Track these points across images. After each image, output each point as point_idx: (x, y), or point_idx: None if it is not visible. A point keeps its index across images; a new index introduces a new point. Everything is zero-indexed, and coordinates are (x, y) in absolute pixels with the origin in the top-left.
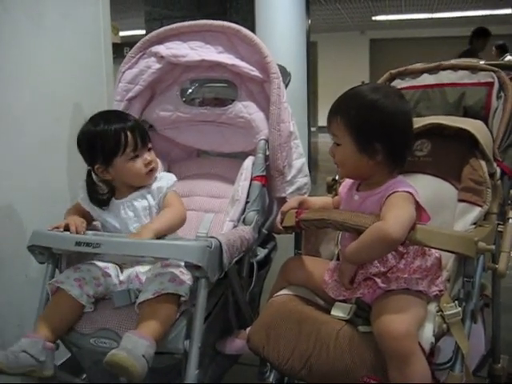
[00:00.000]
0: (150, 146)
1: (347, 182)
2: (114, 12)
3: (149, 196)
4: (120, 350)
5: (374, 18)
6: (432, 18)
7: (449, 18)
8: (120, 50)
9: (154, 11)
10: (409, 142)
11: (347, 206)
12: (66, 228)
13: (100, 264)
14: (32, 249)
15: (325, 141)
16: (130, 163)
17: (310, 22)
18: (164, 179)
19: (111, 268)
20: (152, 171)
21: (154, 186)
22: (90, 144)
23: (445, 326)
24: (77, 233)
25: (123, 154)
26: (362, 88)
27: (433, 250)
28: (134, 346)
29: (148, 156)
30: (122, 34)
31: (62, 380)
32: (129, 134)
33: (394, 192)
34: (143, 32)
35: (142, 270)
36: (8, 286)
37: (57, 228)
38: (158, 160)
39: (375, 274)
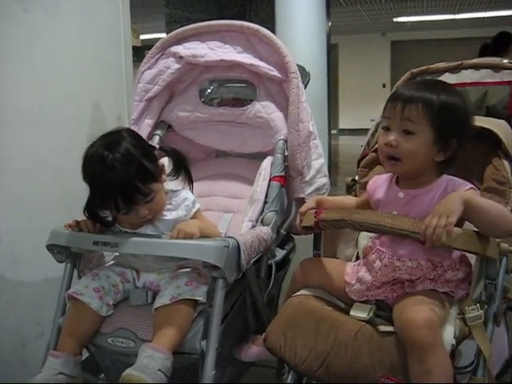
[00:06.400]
0: (148, 198)
1: (377, 179)
2: (135, 15)
3: (160, 225)
4: (134, 368)
5: (395, 20)
6: (454, 19)
7: (471, 18)
8: (141, 53)
9: (174, 14)
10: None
11: (389, 203)
12: (79, 229)
13: (118, 269)
14: (51, 248)
15: (345, 143)
16: (120, 215)
17: (330, 23)
18: (181, 209)
19: (128, 273)
20: (151, 219)
21: (170, 217)
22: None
23: (466, 329)
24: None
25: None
26: (442, 83)
27: (464, 263)
28: (150, 362)
29: (143, 210)
30: (142, 37)
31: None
32: (112, 196)
33: (469, 189)
34: (164, 35)
35: (158, 277)
36: (28, 285)
37: (70, 226)
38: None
39: (405, 279)
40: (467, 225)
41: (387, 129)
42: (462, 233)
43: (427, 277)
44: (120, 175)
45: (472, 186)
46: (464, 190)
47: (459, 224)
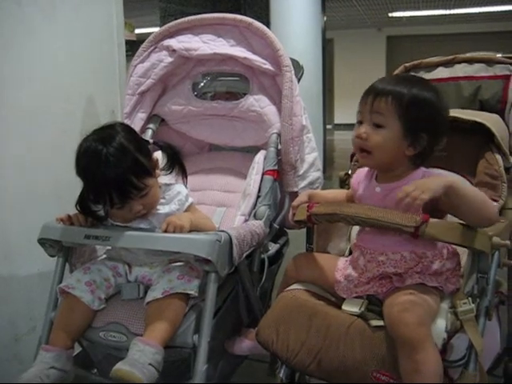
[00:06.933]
0: (143, 192)
1: (359, 173)
2: (130, 10)
3: (153, 220)
4: (124, 363)
5: (390, 15)
6: (450, 15)
7: (467, 14)
8: (136, 47)
9: (169, 8)
10: (442, 140)
11: (368, 198)
12: (71, 223)
13: (109, 263)
14: (42, 242)
15: (341, 138)
16: (114, 210)
17: (325, 18)
18: (174, 203)
19: (120, 267)
20: (145, 214)
21: (162, 211)
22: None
23: (458, 322)
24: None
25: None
26: (417, 78)
27: (451, 253)
28: (141, 356)
29: (137, 205)
30: (137, 31)
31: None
32: (107, 191)
33: None
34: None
35: (150, 271)
36: (20, 279)
37: (61, 220)
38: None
39: (391, 273)
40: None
41: (360, 122)
42: (453, 227)
43: (415, 270)
44: (114, 170)
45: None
46: None
47: (440, 217)
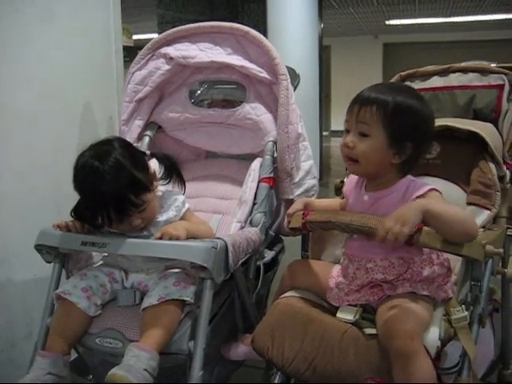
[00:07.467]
0: (141, 208)
1: (351, 181)
2: (128, 16)
3: (151, 227)
4: (120, 368)
5: (387, 22)
6: (446, 23)
7: (464, 22)
8: (133, 53)
9: (166, 14)
10: (428, 148)
11: (356, 206)
12: (68, 229)
13: (106, 269)
14: (39, 248)
15: (337, 145)
16: (114, 223)
17: (322, 26)
18: (172, 209)
19: (117, 273)
20: (144, 227)
21: (160, 219)
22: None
23: (452, 330)
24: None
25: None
26: (400, 85)
27: (441, 258)
28: (136, 361)
29: (136, 220)
30: (135, 37)
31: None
32: (104, 208)
33: (429, 191)
34: (156, 35)
35: (147, 277)
36: (17, 285)
37: (58, 226)
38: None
39: (381, 280)
40: None
41: (347, 131)
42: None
43: (404, 277)
44: (111, 187)
45: (433, 187)
46: (424, 191)
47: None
